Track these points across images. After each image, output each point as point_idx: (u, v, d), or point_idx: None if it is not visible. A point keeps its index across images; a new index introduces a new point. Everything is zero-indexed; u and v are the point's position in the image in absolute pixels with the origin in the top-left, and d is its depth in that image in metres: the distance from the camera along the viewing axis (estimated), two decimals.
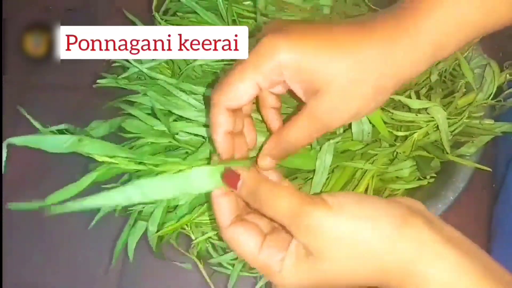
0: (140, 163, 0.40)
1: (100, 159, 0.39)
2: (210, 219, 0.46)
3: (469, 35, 0.31)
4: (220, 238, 0.47)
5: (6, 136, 0.56)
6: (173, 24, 0.50)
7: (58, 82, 0.60)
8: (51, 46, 0.59)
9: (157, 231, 0.44)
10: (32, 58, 0.60)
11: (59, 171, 0.49)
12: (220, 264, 0.47)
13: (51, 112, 0.52)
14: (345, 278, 0.30)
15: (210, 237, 0.47)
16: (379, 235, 0.29)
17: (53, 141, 0.37)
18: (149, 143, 0.44)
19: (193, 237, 0.47)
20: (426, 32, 0.30)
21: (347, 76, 0.31)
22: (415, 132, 0.44)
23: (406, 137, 0.45)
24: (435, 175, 0.48)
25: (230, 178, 0.33)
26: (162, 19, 0.50)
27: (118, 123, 0.45)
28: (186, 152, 0.44)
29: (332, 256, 0.29)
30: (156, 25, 0.51)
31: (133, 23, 0.50)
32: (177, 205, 0.45)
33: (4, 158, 0.37)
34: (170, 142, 0.44)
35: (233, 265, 0.46)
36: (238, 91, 0.33)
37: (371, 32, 0.31)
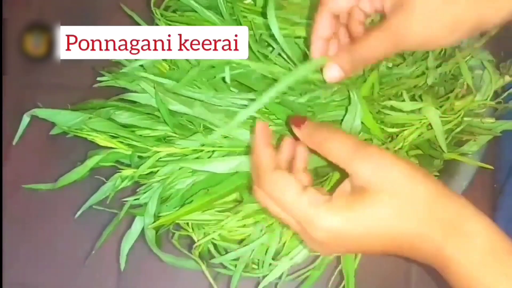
0: (138, 147, 0.42)
1: (102, 143, 0.43)
2: (211, 219, 0.46)
3: None
4: (223, 238, 0.47)
5: (6, 136, 0.56)
6: (172, 22, 0.50)
7: (58, 82, 0.59)
8: (51, 46, 0.59)
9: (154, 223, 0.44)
10: (32, 58, 0.60)
11: (58, 171, 0.49)
12: (222, 266, 0.47)
13: None
14: (386, 228, 0.30)
15: (212, 238, 0.46)
16: (429, 189, 0.30)
17: (67, 116, 0.43)
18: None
19: (195, 238, 0.47)
20: None
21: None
22: (406, 130, 0.44)
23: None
24: (438, 174, 0.48)
25: (297, 120, 0.36)
26: (162, 16, 0.50)
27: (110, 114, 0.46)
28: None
29: (384, 195, 0.30)
30: (155, 23, 0.51)
31: (133, 21, 0.50)
32: (169, 196, 0.45)
33: (23, 127, 0.44)
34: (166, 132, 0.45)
35: (235, 266, 0.46)
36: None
37: None
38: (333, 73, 0.37)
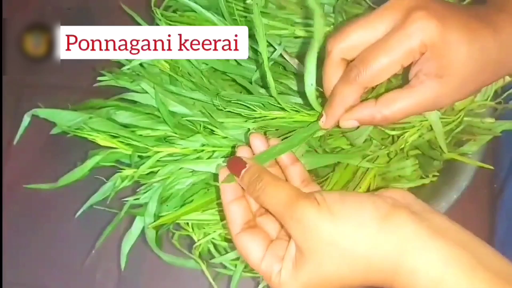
0: (138, 147, 0.43)
1: (102, 143, 0.43)
2: (211, 219, 0.46)
3: None
4: (223, 239, 0.47)
5: (6, 136, 0.56)
6: (172, 21, 0.50)
7: (58, 82, 0.59)
8: (51, 46, 0.59)
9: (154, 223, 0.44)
10: (32, 58, 0.60)
11: (58, 170, 0.49)
12: (223, 266, 0.47)
13: None
14: (336, 280, 0.30)
15: (212, 238, 0.46)
16: (361, 234, 0.29)
17: (68, 116, 0.43)
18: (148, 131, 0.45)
19: (195, 238, 0.47)
20: None
21: (474, 65, 0.32)
22: (407, 131, 0.44)
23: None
24: (438, 174, 0.48)
25: (235, 165, 0.34)
26: (162, 16, 0.50)
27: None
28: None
29: (318, 256, 0.29)
30: (155, 22, 0.51)
31: (133, 21, 0.50)
32: (169, 196, 0.45)
33: (24, 127, 0.43)
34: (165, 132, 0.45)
35: (235, 266, 0.46)
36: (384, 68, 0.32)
37: (496, 25, 0.32)
38: (350, 124, 0.35)
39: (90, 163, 0.44)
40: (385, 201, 0.30)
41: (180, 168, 0.44)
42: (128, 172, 0.45)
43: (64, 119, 0.44)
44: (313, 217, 0.30)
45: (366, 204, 0.30)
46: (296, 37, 0.49)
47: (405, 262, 0.28)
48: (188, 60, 0.47)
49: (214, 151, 0.44)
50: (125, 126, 0.46)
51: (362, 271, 0.29)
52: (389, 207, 0.29)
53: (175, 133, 0.44)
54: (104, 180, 0.47)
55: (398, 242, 0.28)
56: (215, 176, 0.43)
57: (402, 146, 0.44)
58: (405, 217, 0.29)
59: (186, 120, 0.45)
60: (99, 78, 0.49)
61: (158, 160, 0.44)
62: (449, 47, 0.31)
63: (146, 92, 0.46)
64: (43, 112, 0.44)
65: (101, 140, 0.44)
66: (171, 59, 0.48)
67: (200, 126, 0.44)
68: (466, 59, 0.31)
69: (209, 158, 0.43)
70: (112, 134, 0.45)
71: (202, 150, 0.43)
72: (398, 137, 0.44)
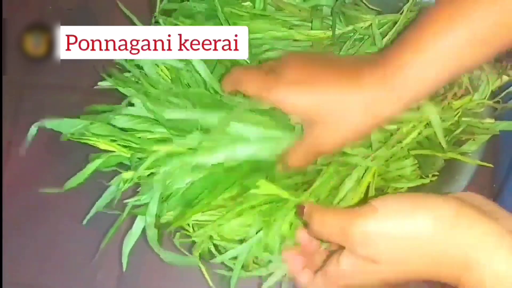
0: (137, 149, 0.44)
1: (102, 147, 0.44)
2: (211, 220, 0.46)
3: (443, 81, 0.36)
4: (223, 238, 0.47)
5: (6, 136, 0.56)
6: (172, 22, 0.50)
7: (58, 82, 0.59)
8: (51, 46, 0.59)
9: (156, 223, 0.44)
10: (32, 58, 0.60)
11: (58, 171, 0.49)
12: (225, 266, 0.47)
13: (51, 112, 0.52)
14: (404, 275, 0.31)
15: (212, 238, 0.46)
16: (433, 228, 0.29)
17: (70, 124, 0.44)
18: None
19: (196, 239, 0.47)
20: (403, 87, 0.35)
21: (338, 114, 0.37)
22: (404, 127, 0.44)
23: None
24: (438, 174, 0.48)
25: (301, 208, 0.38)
26: (162, 18, 0.50)
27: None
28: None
29: (389, 258, 0.30)
30: (155, 23, 0.51)
31: (133, 23, 0.50)
32: (169, 195, 0.45)
33: (31, 137, 0.45)
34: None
35: (234, 264, 0.46)
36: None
37: (359, 81, 0.36)
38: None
39: (91, 167, 0.45)
40: (452, 199, 0.31)
41: (179, 167, 0.44)
42: (128, 174, 0.45)
43: (67, 127, 0.45)
44: (374, 225, 0.30)
45: (433, 201, 0.30)
46: (295, 40, 0.49)
47: (474, 258, 0.28)
48: (188, 70, 0.47)
49: (213, 147, 0.44)
50: (125, 130, 0.46)
51: (432, 265, 0.30)
52: (458, 204, 0.30)
53: (172, 134, 0.44)
54: (105, 183, 0.47)
55: (469, 238, 0.29)
56: (213, 174, 0.43)
57: (401, 141, 0.43)
58: (476, 214, 0.29)
59: (183, 121, 0.45)
60: (99, 83, 0.49)
61: (156, 160, 0.44)
62: (315, 107, 0.37)
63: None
64: (50, 123, 0.45)
65: (102, 144, 0.45)
66: (171, 66, 0.48)
67: (198, 126, 0.44)
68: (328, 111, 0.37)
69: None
70: (112, 138, 0.45)
71: (201, 147, 0.43)
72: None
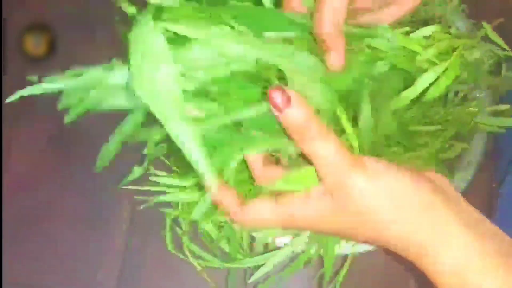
0: None
1: None
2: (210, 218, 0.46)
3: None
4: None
5: (6, 136, 0.56)
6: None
7: None
8: (51, 46, 0.59)
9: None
10: (32, 58, 0.60)
11: (58, 171, 0.49)
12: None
13: (51, 112, 0.52)
14: (355, 232, 0.31)
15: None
16: (403, 211, 0.29)
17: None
18: None
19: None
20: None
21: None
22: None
23: None
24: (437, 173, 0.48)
25: (276, 97, 0.28)
26: None
27: None
28: None
29: (354, 211, 0.30)
30: None
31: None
32: None
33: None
34: None
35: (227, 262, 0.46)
36: None
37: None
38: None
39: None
40: (426, 183, 0.31)
41: None
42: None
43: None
44: (360, 187, 0.30)
45: (410, 183, 0.30)
46: None
47: (432, 245, 0.29)
48: None
49: None
50: None
51: (394, 237, 0.30)
52: (430, 189, 0.30)
53: None
54: (105, 185, 0.47)
55: (430, 225, 0.29)
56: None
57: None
58: (440, 202, 0.30)
59: None
60: None
61: None
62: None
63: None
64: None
65: None
66: None
67: None
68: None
69: None
70: None
71: None
72: None
